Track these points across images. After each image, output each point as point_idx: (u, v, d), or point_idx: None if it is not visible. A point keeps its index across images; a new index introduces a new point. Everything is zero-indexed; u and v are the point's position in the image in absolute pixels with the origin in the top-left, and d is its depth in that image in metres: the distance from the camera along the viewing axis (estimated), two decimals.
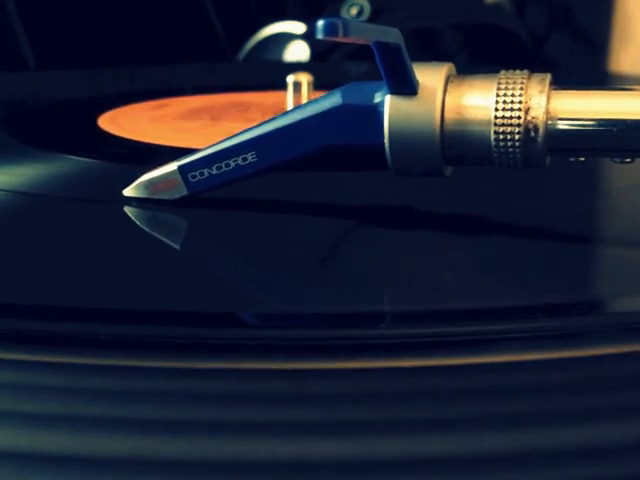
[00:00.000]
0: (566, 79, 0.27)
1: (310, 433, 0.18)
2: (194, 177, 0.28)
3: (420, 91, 0.26)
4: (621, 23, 0.77)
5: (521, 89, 0.25)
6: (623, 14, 0.77)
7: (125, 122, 0.41)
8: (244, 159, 0.27)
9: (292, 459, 0.18)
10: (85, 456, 0.17)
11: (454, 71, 0.27)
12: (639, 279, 0.24)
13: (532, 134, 0.25)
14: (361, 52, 0.61)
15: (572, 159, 0.27)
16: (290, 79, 0.39)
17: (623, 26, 0.77)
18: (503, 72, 0.26)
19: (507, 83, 0.25)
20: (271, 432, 0.18)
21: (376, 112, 0.26)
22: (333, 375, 0.19)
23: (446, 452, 0.18)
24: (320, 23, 0.22)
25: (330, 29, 0.22)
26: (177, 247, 0.28)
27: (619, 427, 0.18)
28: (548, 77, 0.26)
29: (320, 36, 0.22)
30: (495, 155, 0.26)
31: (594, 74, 0.71)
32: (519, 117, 0.25)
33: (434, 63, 0.27)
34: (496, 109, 0.25)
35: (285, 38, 0.67)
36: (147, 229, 0.29)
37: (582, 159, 0.27)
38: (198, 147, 0.28)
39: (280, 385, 0.19)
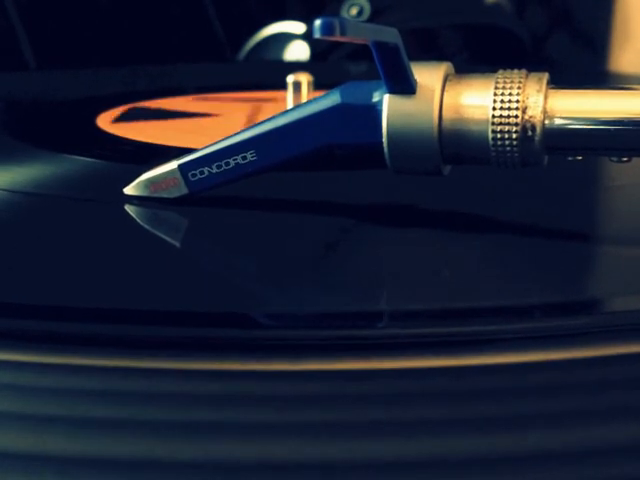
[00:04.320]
0: (565, 79, 0.27)
1: (310, 433, 0.18)
2: (194, 176, 0.28)
3: (418, 90, 0.26)
4: (621, 23, 0.77)
5: (519, 88, 0.25)
6: (623, 14, 0.77)
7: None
8: (244, 158, 0.27)
9: (292, 459, 0.18)
10: (85, 456, 0.17)
11: (452, 70, 0.27)
12: (639, 279, 0.24)
13: (529, 133, 0.25)
14: (361, 52, 0.61)
15: (570, 158, 0.27)
16: (290, 79, 0.39)
17: (623, 26, 0.77)
18: (501, 71, 0.26)
19: (505, 82, 0.26)
20: (271, 432, 0.18)
21: (374, 111, 0.26)
22: (333, 375, 0.19)
23: (446, 452, 0.18)
24: (318, 22, 0.22)
25: (328, 28, 0.22)
26: (177, 245, 0.28)
27: (619, 427, 0.18)
28: (546, 76, 0.26)
29: (318, 35, 0.22)
30: (493, 154, 0.26)
31: (594, 74, 0.70)
32: (517, 116, 0.25)
33: (432, 62, 0.27)
34: (494, 108, 0.25)
35: (285, 38, 0.67)
36: (147, 227, 0.29)
37: (580, 158, 0.27)
38: (198, 146, 0.28)
39: (280, 385, 0.19)
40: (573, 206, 0.30)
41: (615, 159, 0.26)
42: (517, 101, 0.25)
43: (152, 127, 0.40)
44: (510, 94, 0.25)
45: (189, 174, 0.28)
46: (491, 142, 0.26)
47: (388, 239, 0.27)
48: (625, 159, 0.26)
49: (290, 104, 0.39)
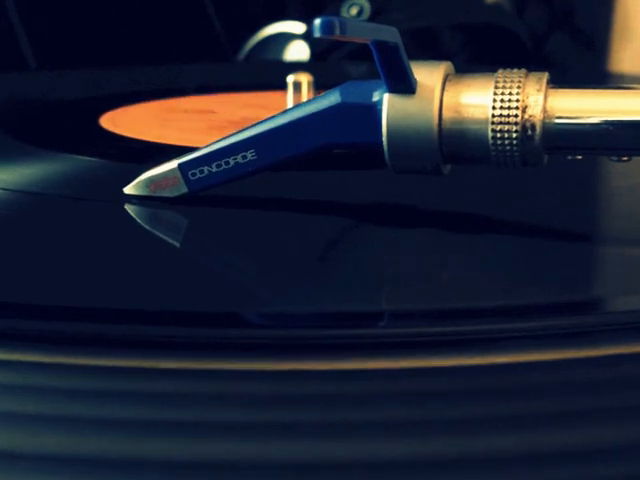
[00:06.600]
0: (565, 78, 0.27)
1: (310, 433, 0.18)
2: (194, 175, 0.28)
3: (418, 90, 0.26)
4: (621, 23, 0.77)
5: (518, 87, 0.25)
6: (623, 14, 0.77)
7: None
8: (244, 157, 0.27)
9: (291, 459, 0.18)
10: (85, 457, 0.17)
11: (452, 70, 0.27)
12: (639, 279, 0.24)
13: (529, 132, 0.25)
14: (361, 52, 0.61)
15: (570, 157, 0.27)
16: (290, 79, 0.39)
17: (623, 26, 0.77)
18: (501, 71, 0.26)
19: (504, 82, 0.26)
20: (270, 432, 0.18)
21: (374, 111, 0.26)
22: (333, 375, 0.19)
23: (446, 453, 0.18)
24: (317, 21, 0.22)
25: (327, 27, 0.22)
26: (177, 245, 0.28)
27: (619, 427, 0.18)
28: (545, 76, 0.26)
29: (317, 34, 0.22)
30: (493, 153, 0.26)
31: (594, 74, 0.70)
32: (516, 115, 0.25)
33: (432, 62, 0.27)
34: (493, 107, 0.25)
35: (285, 38, 0.67)
36: (147, 227, 0.29)
37: (579, 157, 0.27)
38: (198, 146, 0.28)
39: (279, 385, 0.19)
40: (573, 206, 0.30)
41: (615, 158, 0.26)
42: (517, 100, 0.25)
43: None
44: (510, 93, 0.25)
45: (189, 173, 0.28)
46: (491, 141, 0.26)
47: (388, 239, 0.27)
48: (625, 158, 0.26)
49: (290, 104, 0.39)
